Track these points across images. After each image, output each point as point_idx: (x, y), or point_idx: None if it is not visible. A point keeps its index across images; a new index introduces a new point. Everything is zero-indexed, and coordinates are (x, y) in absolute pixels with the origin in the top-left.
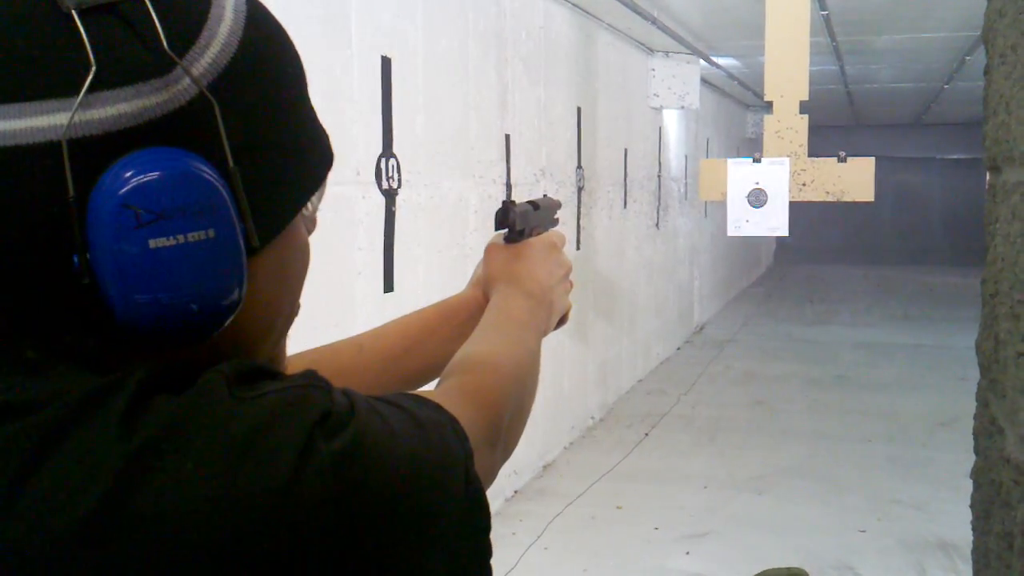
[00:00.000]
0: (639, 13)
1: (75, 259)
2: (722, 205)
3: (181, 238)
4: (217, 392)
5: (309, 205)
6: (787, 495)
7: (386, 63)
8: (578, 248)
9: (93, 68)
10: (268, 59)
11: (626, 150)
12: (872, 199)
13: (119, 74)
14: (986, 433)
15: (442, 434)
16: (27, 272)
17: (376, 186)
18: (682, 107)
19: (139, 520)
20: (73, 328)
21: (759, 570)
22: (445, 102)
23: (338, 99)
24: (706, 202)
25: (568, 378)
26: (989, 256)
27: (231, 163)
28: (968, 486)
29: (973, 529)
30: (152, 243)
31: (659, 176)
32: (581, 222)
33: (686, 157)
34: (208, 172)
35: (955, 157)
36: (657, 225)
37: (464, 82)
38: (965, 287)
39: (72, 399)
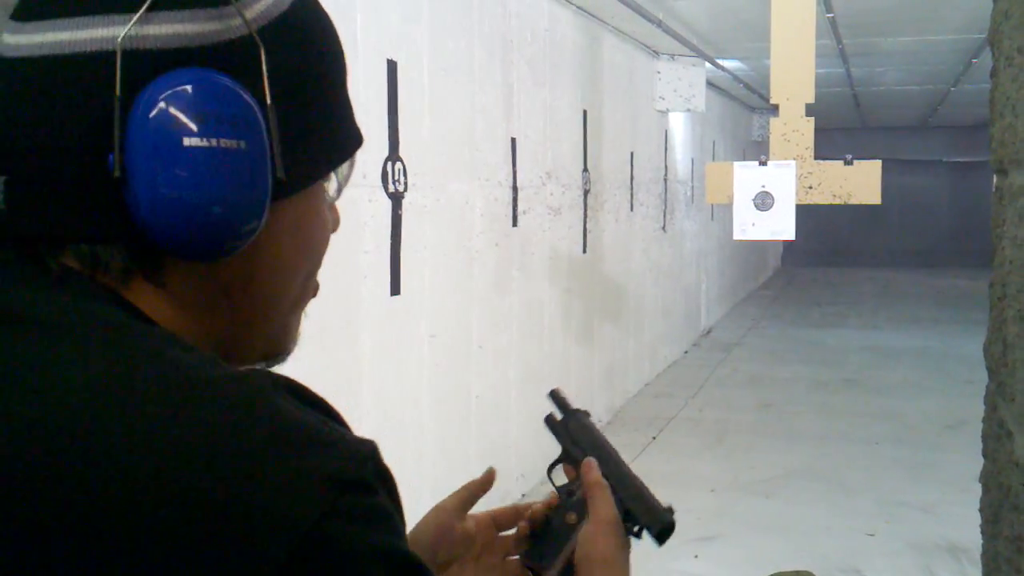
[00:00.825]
0: (645, 16)
1: (111, 157)
2: (729, 208)
3: (213, 141)
4: (270, 390)
5: (334, 183)
6: (795, 498)
7: (392, 66)
8: (584, 251)
9: None
10: (314, 31)
11: (632, 153)
12: (879, 202)
13: None
14: (995, 436)
15: None
16: (65, 173)
17: (382, 189)
18: (688, 110)
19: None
20: (98, 237)
21: (767, 573)
22: (451, 105)
23: None
24: (713, 205)
25: (575, 381)
26: (996, 259)
27: (268, 100)
28: (976, 489)
29: (982, 533)
30: (186, 141)
31: (665, 179)
32: (588, 225)
33: (692, 160)
34: (246, 93)
35: (962, 160)
36: (664, 228)
37: (470, 85)
38: (972, 290)
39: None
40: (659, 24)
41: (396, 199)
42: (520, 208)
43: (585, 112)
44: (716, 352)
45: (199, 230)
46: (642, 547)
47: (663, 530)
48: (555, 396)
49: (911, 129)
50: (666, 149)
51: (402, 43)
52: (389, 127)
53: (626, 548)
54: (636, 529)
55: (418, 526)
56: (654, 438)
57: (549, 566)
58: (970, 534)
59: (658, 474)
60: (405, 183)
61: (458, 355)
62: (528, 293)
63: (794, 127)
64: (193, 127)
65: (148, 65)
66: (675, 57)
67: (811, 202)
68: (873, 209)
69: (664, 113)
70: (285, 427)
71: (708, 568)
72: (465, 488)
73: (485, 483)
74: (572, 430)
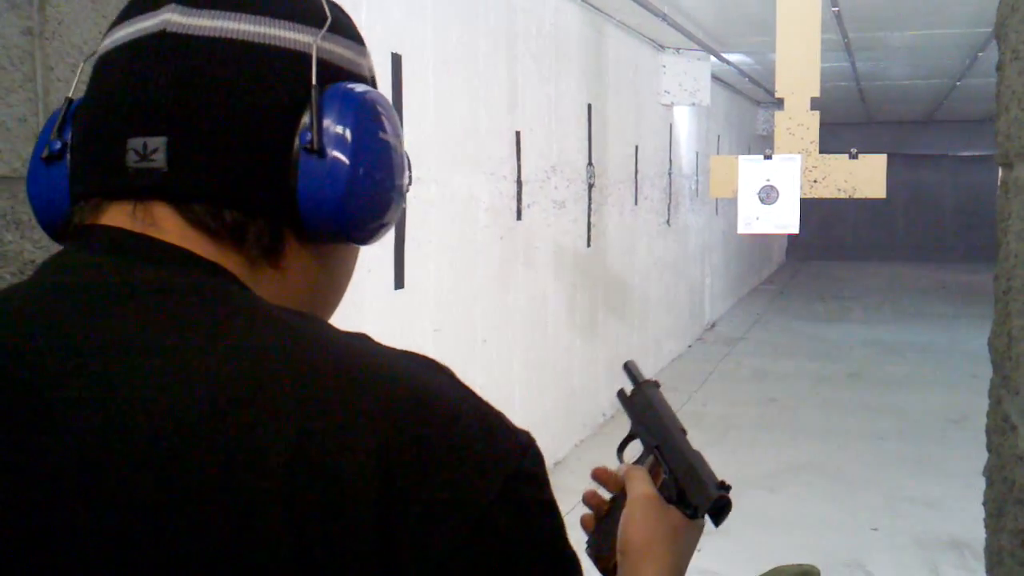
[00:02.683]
0: (649, 9)
1: (305, 135)
2: (733, 202)
3: (395, 142)
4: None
5: None
6: (799, 493)
7: (396, 60)
8: (589, 245)
9: (330, 17)
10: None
11: (637, 147)
12: (884, 196)
13: (343, 30)
14: (999, 430)
15: None
16: (242, 141)
17: None
18: (693, 104)
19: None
20: (258, 205)
21: (771, 567)
22: (455, 99)
23: None
24: (717, 199)
25: (579, 375)
26: (1001, 253)
27: None
28: (981, 484)
29: (986, 527)
30: (381, 135)
31: (670, 173)
32: (592, 219)
33: (697, 154)
34: None
35: (967, 154)
36: (668, 222)
37: (474, 79)
38: (977, 284)
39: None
40: (664, 18)
41: None
42: (524, 202)
43: (590, 106)
44: (720, 346)
45: (378, 211)
46: None
47: (713, 509)
48: (628, 368)
49: (916, 123)
50: (671, 143)
51: (406, 37)
52: None
53: (671, 526)
54: (691, 511)
55: None
56: None
57: (606, 555)
58: (974, 528)
59: None
60: (409, 176)
61: (462, 349)
62: (532, 287)
63: (799, 121)
64: (385, 125)
65: (323, 72)
66: (680, 51)
67: (816, 196)
68: (878, 203)
69: (669, 107)
70: (474, 407)
71: (711, 563)
72: None
73: None
74: (636, 405)
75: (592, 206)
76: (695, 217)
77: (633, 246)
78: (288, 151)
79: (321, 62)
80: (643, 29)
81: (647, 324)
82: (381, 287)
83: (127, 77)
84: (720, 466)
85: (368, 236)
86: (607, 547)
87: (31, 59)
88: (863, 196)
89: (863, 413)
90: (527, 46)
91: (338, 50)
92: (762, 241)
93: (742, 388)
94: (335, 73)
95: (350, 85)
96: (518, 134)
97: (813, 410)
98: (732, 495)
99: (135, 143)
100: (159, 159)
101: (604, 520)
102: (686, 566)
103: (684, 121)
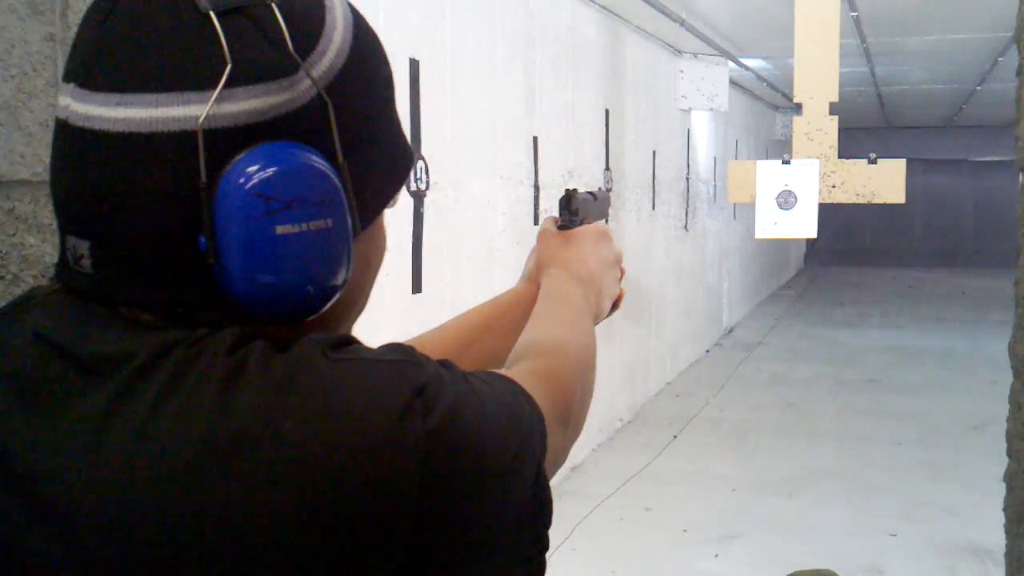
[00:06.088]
0: (667, 15)
1: (202, 240)
2: (751, 207)
3: (304, 226)
4: (313, 356)
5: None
6: (817, 498)
7: (414, 65)
8: None
9: (230, 65)
10: (370, 65)
11: (654, 152)
12: (903, 201)
13: (251, 73)
14: (1020, 436)
15: (521, 414)
16: (151, 249)
17: (405, 187)
18: (711, 109)
19: (238, 471)
20: (188, 303)
21: (788, 572)
22: (473, 104)
23: None
24: (735, 204)
25: (596, 380)
26: (1021, 258)
27: (341, 158)
28: (1000, 490)
29: (1006, 532)
30: (279, 229)
31: (688, 178)
32: (609, 224)
33: (715, 159)
34: (326, 166)
35: (987, 159)
36: (686, 227)
37: (492, 84)
38: (997, 290)
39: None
40: (682, 23)
41: (418, 198)
42: (542, 207)
43: (607, 111)
44: (738, 351)
45: (292, 307)
46: (666, 547)
47: (565, 203)
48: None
49: (936, 128)
50: (688, 148)
51: (424, 42)
52: (411, 126)
53: (562, 239)
54: (575, 216)
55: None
56: (675, 437)
57: None
58: (994, 535)
59: (679, 473)
60: (427, 182)
61: None
62: None
63: (818, 126)
64: (284, 215)
65: (224, 144)
66: (698, 56)
67: (834, 201)
68: (897, 208)
69: (687, 112)
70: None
71: (729, 567)
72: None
73: None
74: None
75: (609, 211)
76: (713, 222)
77: (650, 251)
78: (198, 252)
79: (216, 133)
80: (661, 34)
81: (664, 329)
82: (399, 291)
83: (55, 166)
84: (737, 471)
85: (304, 319)
86: None
87: (53, 65)
88: (882, 201)
89: (881, 418)
90: (544, 51)
91: (241, 106)
92: (780, 246)
93: (760, 393)
94: (246, 134)
95: (246, 165)
96: (535, 139)
97: (831, 415)
98: (750, 500)
99: (71, 242)
100: (86, 265)
101: None
102: (594, 260)
103: (702, 126)
